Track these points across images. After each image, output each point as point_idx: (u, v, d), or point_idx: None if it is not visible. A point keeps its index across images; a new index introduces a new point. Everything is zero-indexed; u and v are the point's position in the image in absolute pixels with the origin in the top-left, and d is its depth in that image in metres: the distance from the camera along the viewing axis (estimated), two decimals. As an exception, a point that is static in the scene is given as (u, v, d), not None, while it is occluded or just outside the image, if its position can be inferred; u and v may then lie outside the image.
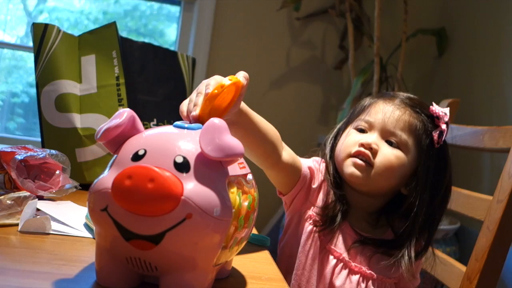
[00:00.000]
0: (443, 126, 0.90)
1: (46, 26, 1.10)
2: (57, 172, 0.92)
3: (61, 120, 1.09)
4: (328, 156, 0.95)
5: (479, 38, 2.28)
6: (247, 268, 0.70)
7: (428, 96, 2.47)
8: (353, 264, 0.89)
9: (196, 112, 0.63)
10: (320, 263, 0.89)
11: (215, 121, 0.55)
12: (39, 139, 1.12)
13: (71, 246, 0.70)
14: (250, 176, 0.62)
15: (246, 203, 0.58)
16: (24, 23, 2.53)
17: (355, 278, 0.88)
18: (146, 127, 1.11)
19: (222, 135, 0.54)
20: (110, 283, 0.56)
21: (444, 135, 0.90)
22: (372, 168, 0.88)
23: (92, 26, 2.17)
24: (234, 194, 0.56)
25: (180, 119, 0.64)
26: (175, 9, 2.59)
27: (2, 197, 0.75)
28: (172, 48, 1.66)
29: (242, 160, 0.62)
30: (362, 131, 0.92)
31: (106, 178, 0.54)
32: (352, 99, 2.16)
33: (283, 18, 2.44)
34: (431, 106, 0.92)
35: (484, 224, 0.95)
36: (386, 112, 0.90)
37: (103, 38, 1.14)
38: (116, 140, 0.57)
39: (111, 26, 1.15)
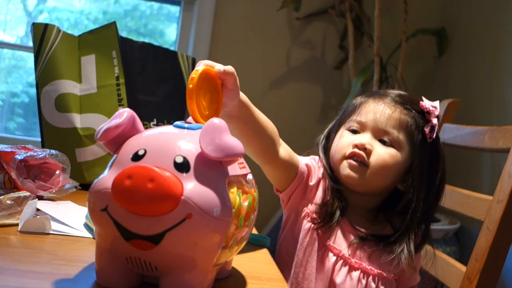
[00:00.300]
0: (434, 121, 0.90)
1: (46, 26, 1.10)
2: (57, 172, 0.92)
3: (61, 120, 1.09)
4: (321, 157, 0.96)
5: (479, 38, 2.28)
6: (247, 268, 0.70)
7: (428, 96, 2.47)
8: (353, 260, 0.89)
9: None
10: (320, 261, 0.89)
11: (215, 121, 0.55)
12: (39, 139, 1.12)
13: (71, 246, 0.69)
14: (250, 176, 0.62)
15: (246, 203, 0.58)
16: (24, 23, 2.53)
17: (355, 274, 0.88)
18: (146, 127, 1.11)
19: (222, 135, 0.54)
20: (110, 283, 0.56)
21: (435, 130, 0.91)
22: (367, 168, 0.89)
23: (92, 26, 2.17)
24: (234, 194, 0.55)
25: (180, 118, 0.64)
26: (175, 9, 2.59)
27: (2, 197, 0.75)
28: (172, 48, 1.66)
29: (242, 160, 0.62)
30: (354, 132, 0.93)
31: (106, 178, 0.54)
32: (352, 99, 2.16)
33: (283, 18, 2.44)
34: (421, 102, 0.92)
35: (484, 224, 0.95)
36: (377, 111, 0.91)
37: (103, 38, 1.14)
38: (116, 140, 0.57)
39: (111, 26, 1.15)
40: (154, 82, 1.22)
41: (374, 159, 0.89)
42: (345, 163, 0.90)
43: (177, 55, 1.29)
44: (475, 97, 2.21)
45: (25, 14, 2.54)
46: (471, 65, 2.30)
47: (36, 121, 1.77)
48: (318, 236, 0.90)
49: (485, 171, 2.11)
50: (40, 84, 1.10)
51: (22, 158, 0.88)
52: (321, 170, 0.94)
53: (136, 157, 0.54)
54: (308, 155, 0.97)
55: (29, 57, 2.51)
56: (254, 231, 0.91)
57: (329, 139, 0.97)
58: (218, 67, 0.67)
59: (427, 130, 0.90)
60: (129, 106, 1.12)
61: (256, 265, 0.75)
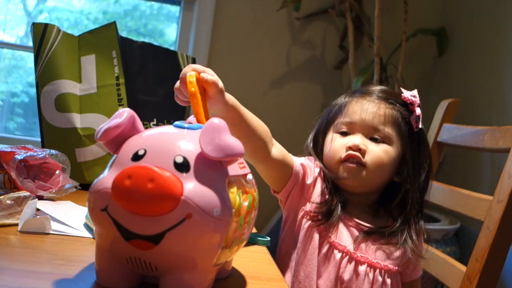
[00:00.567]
0: (418, 111, 0.94)
1: (46, 26, 1.10)
2: (57, 172, 0.92)
3: (61, 120, 1.09)
4: (315, 158, 0.96)
5: (479, 38, 2.28)
6: (247, 268, 0.70)
7: (428, 96, 2.47)
8: (359, 255, 0.89)
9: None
10: (325, 259, 0.90)
11: (215, 121, 0.55)
12: (39, 139, 1.12)
13: (71, 246, 0.69)
14: (250, 176, 0.62)
15: (246, 203, 0.58)
16: (24, 23, 2.53)
17: (362, 268, 0.89)
18: (146, 127, 1.11)
19: (222, 135, 0.54)
20: (110, 283, 0.56)
21: (420, 119, 0.94)
22: (364, 168, 0.90)
23: (92, 26, 2.17)
24: (234, 194, 0.55)
25: (180, 118, 0.64)
26: (175, 9, 2.59)
27: (2, 197, 0.75)
28: (172, 48, 1.66)
29: (242, 160, 0.62)
30: (344, 133, 0.94)
31: (106, 178, 0.54)
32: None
33: (283, 18, 2.44)
34: (402, 94, 0.95)
35: (484, 224, 0.95)
36: (363, 110, 0.93)
37: (103, 38, 1.14)
38: (116, 140, 0.57)
39: (111, 26, 1.15)
40: (154, 82, 1.22)
41: (369, 158, 0.90)
42: (341, 167, 0.91)
43: (177, 55, 1.29)
44: (475, 97, 2.21)
45: (25, 14, 2.54)
46: (471, 65, 2.30)
47: (36, 121, 1.77)
48: (320, 234, 0.90)
49: (485, 171, 2.11)
50: (40, 84, 1.10)
51: (22, 158, 0.88)
52: (317, 169, 0.95)
53: (136, 157, 0.54)
54: (309, 155, 0.98)
55: (29, 57, 2.51)
56: (254, 231, 0.91)
57: (317, 142, 0.98)
58: (203, 75, 0.68)
59: (413, 120, 0.93)
60: (129, 106, 1.12)
61: (256, 265, 0.75)
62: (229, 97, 0.74)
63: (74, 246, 0.70)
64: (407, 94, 0.94)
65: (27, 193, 0.78)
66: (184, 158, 0.53)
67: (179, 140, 0.56)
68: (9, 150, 0.90)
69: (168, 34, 2.64)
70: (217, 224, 0.52)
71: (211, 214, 0.51)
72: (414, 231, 0.93)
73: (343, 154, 0.91)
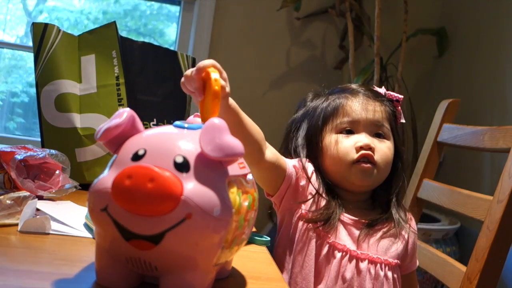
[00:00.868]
0: (399, 107, 0.99)
1: (45, 26, 1.10)
2: (57, 172, 0.92)
3: (61, 120, 1.09)
4: (305, 162, 0.95)
5: (479, 38, 2.28)
6: (247, 268, 0.70)
7: (428, 96, 2.47)
8: (359, 252, 0.90)
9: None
10: (326, 260, 0.90)
11: (215, 121, 0.55)
12: (39, 139, 1.12)
13: (71, 246, 0.69)
14: (250, 176, 0.62)
15: (246, 203, 0.57)
16: (24, 23, 2.53)
17: (363, 265, 0.89)
18: (146, 127, 1.11)
19: (222, 135, 0.54)
20: (110, 283, 0.56)
21: (402, 114, 0.99)
22: (375, 166, 0.92)
23: (92, 26, 2.17)
24: (234, 194, 0.55)
25: (180, 118, 0.64)
26: (175, 9, 2.59)
27: (2, 197, 0.75)
28: (172, 48, 1.66)
29: (242, 160, 0.62)
30: (349, 132, 0.94)
31: (106, 178, 0.53)
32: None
33: (283, 18, 2.44)
34: (385, 91, 1.00)
35: (484, 224, 0.95)
36: (363, 108, 0.95)
37: (103, 37, 1.14)
38: (116, 140, 0.57)
39: (111, 26, 1.15)
40: (154, 82, 1.22)
41: (378, 156, 0.92)
42: (355, 168, 0.91)
43: (177, 55, 1.29)
44: (475, 97, 2.21)
45: (25, 14, 2.54)
46: (471, 65, 2.30)
47: (36, 121, 1.77)
48: (318, 236, 0.90)
49: (485, 171, 2.11)
50: (40, 84, 1.10)
51: (22, 158, 0.88)
52: (310, 170, 0.94)
53: (136, 157, 0.54)
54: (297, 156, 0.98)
55: (29, 57, 2.51)
56: (254, 231, 0.91)
57: (311, 145, 0.97)
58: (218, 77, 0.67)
59: (398, 116, 0.98)
60: (129, 106, 1.12)
61: (256, 265, 0.75)
62: (230, 100, 0.74)
63: (74, 246, 0.70)
64: (383, 91, 1.00)
65: (27, 193, 0.78)
66: (184, 158, 0.53)
67: (179, 140, 0.56)
68: (9, 150, 0.90)
69: (168, 34, 2.64)
70: (217, 224, 0.52)
71: (211, 214, 0.51)
72: (402, 212, 0.96)
73: (354, 155, 0.91)
